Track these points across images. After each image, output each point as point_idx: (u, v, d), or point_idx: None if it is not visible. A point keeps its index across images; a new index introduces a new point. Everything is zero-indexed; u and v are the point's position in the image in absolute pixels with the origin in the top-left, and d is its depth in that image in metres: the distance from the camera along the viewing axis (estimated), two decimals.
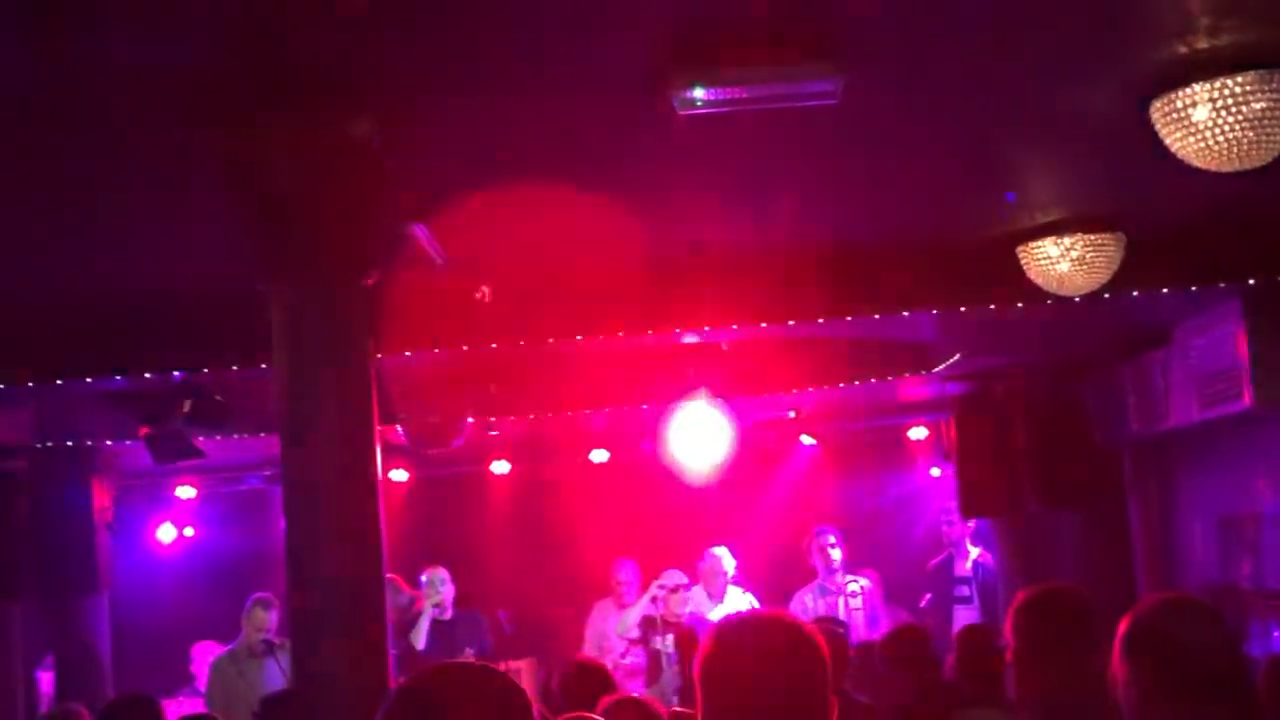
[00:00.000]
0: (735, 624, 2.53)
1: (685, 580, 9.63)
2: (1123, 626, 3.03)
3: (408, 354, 6.72)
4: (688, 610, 9.43)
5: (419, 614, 9.60)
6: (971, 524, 10.63)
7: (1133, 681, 2.96)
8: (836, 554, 9.97)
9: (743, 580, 10.03)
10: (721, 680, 2.38)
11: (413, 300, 6.19)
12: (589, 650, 9.81)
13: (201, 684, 9.81)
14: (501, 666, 9.16)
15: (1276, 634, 8.24)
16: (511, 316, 6.80)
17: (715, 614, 9.58)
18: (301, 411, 4.28)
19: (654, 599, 9.49)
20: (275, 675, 8.47)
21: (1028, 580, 9.85)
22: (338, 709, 4.20)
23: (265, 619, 8.77)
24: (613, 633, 9.84)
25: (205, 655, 10.07)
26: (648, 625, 9.40)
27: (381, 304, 5.00)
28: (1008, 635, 3.69)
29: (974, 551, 10.64)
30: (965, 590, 10.54)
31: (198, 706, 9.23)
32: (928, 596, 10.67)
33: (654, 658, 9.22)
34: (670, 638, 9.07)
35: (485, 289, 5.48)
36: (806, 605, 9.79)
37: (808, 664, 2.37)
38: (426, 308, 6.50)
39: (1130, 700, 2.98)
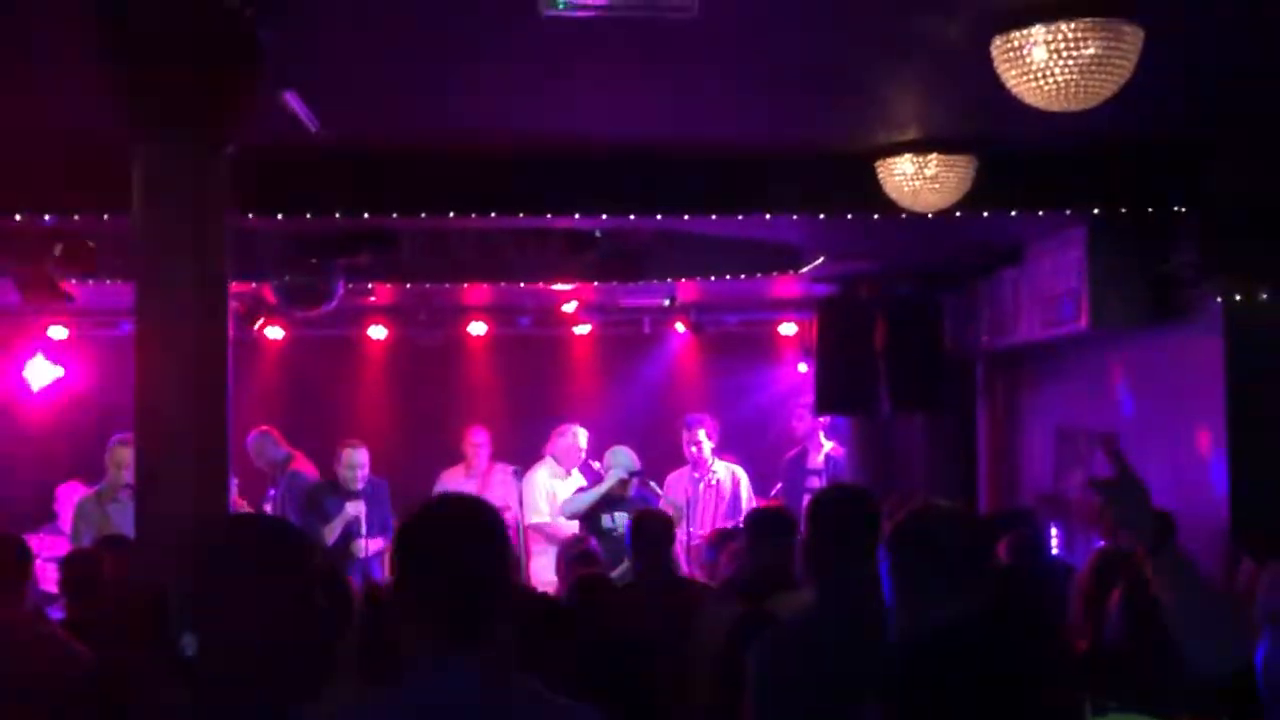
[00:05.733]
0: (437, 500, 2.85)
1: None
2: (887, 529, 3.34)
3: (279, 216, 6.86)
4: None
5: (295, 474, 9.78)
6: (824, 419, 11.01)
7: (893, 578, 3.28)
8: (707, 445, 10.27)
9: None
10: (413, 548, 2.65)
11: (284, 164, 6.33)
12: None
13: (64, 523, 9.91)
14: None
15: (1097, 543, 8.74)
16: (385, 188, 6.95)
17: (564, 487, 9.86)
18: (155, 265, 4.45)
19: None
20: None
21: (876, 478, 10.34)
22: (175, 548, 4.37)
23: (127, 457, 8.85)
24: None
25: (70, 495, 10.15)
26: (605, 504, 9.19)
27: (250, 166, 5.14)
28: (803, 526, 4.03)
29: (827, 445, 11.03)
30: (817, 482, 10.90)
31: (59, 544, 9.36)
32: (778, 486, 11.07)
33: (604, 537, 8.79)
34: (620, 516, 8.87)
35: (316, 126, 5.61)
36: (678, 489, 10.10)
37: (488, 541, 2.66)
38: (298, 173, 6.63)
39: (892, 595, 3.30)
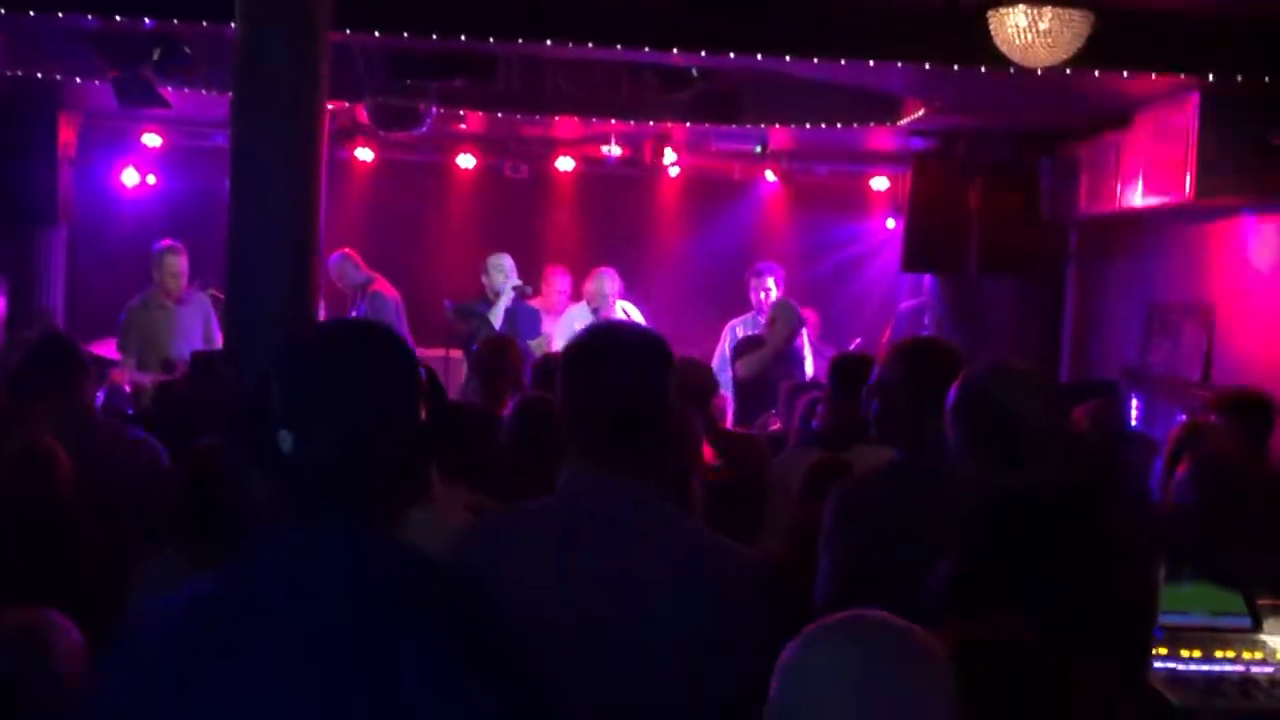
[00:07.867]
0: (607, 325, 2.82)
1: None
2: (952, 392, 3.24)
3: (376, 34, 6.79)
4: None
5: (376, 295, 9.80)
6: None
7: (961, 442, 3.21)
8: (774, 294, 10.08)
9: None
10: (577, 371, 2.66)
11: None
12: None
13: None
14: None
15: (1180, 419, 8.63)
16: (482, 12, 6.85)
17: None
18: (253, 77, 4.42)
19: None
20: (185, 322, 8.70)
21: (959, 339, 10.22)
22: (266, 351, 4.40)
23: (175, 264, 8.90)
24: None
25: None
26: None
27: None
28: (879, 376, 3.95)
29: None
30: None
31: None
32: (887, 333, 10.97)
33: None
34: None
35: None
36: (736, 334, 10.02)
37: (651, 372, 2.64)
38: None
39: (959, 458, 3.24)
